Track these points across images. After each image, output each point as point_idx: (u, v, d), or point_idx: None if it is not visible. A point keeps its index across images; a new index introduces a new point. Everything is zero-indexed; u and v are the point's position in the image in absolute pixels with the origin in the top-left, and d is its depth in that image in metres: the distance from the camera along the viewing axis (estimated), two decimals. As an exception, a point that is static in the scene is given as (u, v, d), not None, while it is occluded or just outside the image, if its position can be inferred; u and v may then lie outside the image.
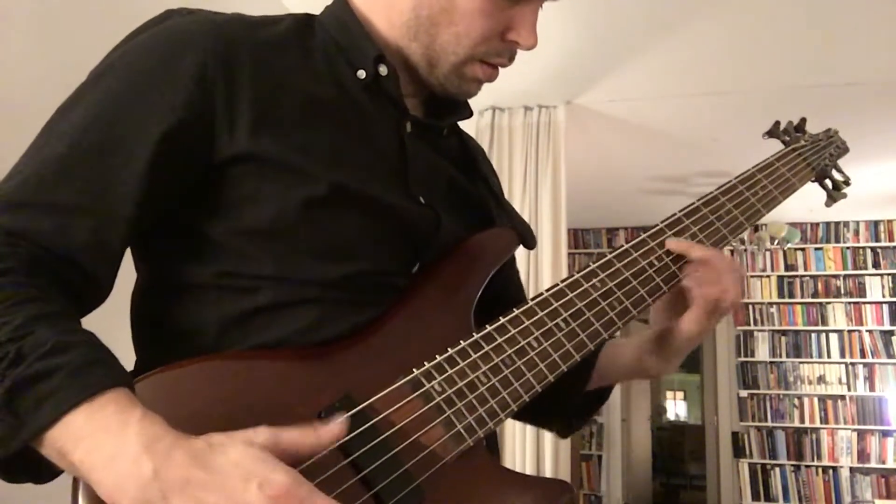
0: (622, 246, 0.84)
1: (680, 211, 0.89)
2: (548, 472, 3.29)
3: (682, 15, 2.85)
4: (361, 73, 0.76)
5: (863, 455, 5.27)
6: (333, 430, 0.56)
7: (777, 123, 1.11)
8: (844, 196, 1.14)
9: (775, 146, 1.05)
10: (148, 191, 0.64)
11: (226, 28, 0.70)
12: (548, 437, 3.32)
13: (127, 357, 0.64)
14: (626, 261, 0.83)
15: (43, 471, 0.55)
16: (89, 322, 0.62)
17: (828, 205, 1.14)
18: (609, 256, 0.83)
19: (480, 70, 0.78)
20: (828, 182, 1.12)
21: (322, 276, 0.69)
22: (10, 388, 0.51)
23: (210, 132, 0.66)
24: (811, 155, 1.07)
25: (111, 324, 0.67)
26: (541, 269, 3.44)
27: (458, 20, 0.74)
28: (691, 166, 4.62)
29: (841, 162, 1.13)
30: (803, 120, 1.12)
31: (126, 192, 0.63)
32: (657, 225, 0.87)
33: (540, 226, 3.48)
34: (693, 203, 0.91)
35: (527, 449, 3.31)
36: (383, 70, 0.76)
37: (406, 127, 0.78)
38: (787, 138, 1.09)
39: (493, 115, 3.67)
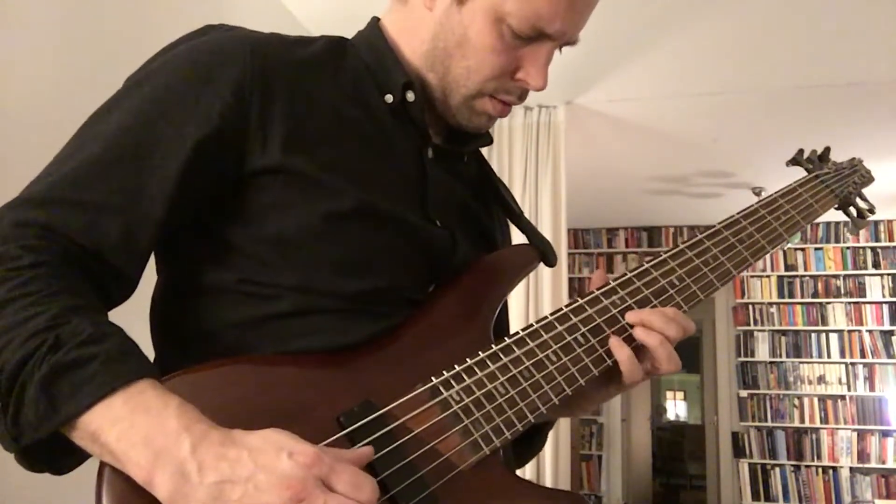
0: (641, 266, 0.85)
1: (701, 233, 0.90)
2: (548, 472, 3.29)
3: (682, 15, 2.85)
4: (389, 98, 0.78)
5: (863, 455, 5.27)
6: (357, 452, 0.58)
7: (801, 151, 1.12)
8: (868, 224, 1.15)
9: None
10: (179, 195, 0.66)
11: (265, 45, 0.72)
12: (548, 436, 3.32)
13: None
14: (645, 280, 0.84)
15: (64, 460, 0.57)
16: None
17: (852, 232, 1.17)
18: (629, 275, 0.84)
19: (491, 105, 0.79)
20: (852, 210, 1.14)
21: (342, 288, 0.70)
22: (48, 374, 0.53)
23: (243, 143, 0.68)
24: (834, 182, 1.08)
25: (129, 322, 0.67)
26: (541, 269, 3.43)
27: (471, 55, 0.75)
28: (691, 166, 4.62)
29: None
30: (827, 149, 1.14)
31: (158, 194, 0.65)
32: (678, 246, 0.88)
33: (540, 226, 3.48)
34: (714, 226, 0.92)
35: (527, 449, 3.31)
36: (410, 96, 0.78)
37: (428, 153, 0.80)
38: (811, 166, 1.10)
39: (493, 115, 3.67)
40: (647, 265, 0.85)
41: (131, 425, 0.52)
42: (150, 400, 0.53)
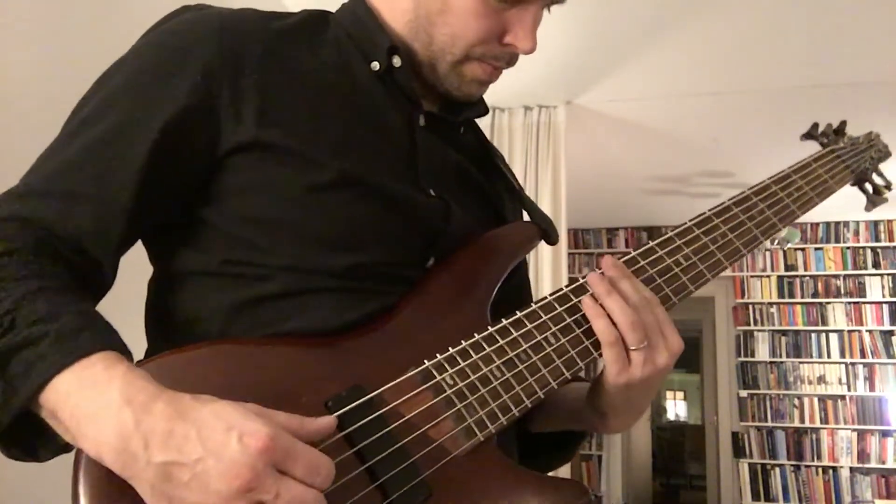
0: (647, 244, 0.82)
1: (710, 210, 0.87)
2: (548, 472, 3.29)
3: (682, 15, 2.85)
4: (375, 65, 0.76)
5: (863, 455, 5.27)
6: (320, 423, 0.55)
7: (815, 125, 1.08)
8: (885, 200, 1.10)
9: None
10: (149, 180, 0.65)
11: (236, 20, 0.71)
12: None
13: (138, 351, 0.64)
14: (650, 258, 0.81)
15: (40, 444, 0.57)
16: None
17: (867, 209, 1.12)
18: (633, 254, 0.80)
19: (480, 70, 0.77)
20: (867, 186, 1.10)
21: (329, 265, 0.68)
22: (1, 356, 0.53)
23: (215, 121, 0.67)
24: (850, 157, 1.04)
25: (126, 319, 0.67)
26: (541, 269, 3.44)
27: (453, 21, 0.73)
28: (691, 166, 4.62)
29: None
30: (843, 123, 1.10)
31: (127, 181, 0.64)
32: (685, 223, 0.85)
33: (540, 226, 3.47)
34: (724, 202, 0.87)
35: (527, 449, 3.31)
36: (397, 61, 0.76)
37: (419, 120, 0.78)
38: (825, 140, 1.06)
39: (493, 115, 3.67)
40: (652, 243, 0.82)
41: (80, 400, 0.51)
42: (97, 374, 0.52)
